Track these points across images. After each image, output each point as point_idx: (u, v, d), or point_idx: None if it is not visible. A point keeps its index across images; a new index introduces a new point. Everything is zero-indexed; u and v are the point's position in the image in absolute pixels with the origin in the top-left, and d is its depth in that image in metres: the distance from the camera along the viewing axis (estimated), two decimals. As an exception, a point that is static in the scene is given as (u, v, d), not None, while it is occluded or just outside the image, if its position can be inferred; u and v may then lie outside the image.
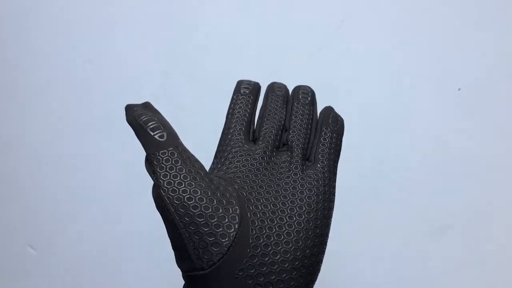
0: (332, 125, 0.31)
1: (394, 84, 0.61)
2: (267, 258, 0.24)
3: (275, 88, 0.33)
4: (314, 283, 0.26)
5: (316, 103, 0.33)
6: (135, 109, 0.27)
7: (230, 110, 0.32)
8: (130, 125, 0.27)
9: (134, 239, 0.72)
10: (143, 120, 0.26)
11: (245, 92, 0.32)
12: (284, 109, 0.32)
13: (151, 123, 0.26)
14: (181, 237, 0.24)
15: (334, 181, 0.29)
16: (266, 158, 0.29)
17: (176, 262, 0.26)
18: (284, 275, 0.24)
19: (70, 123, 0.72)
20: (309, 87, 0.33)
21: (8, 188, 0.77)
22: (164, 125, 0.26)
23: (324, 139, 0.30)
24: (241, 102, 0.32)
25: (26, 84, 0.72)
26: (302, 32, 0.62)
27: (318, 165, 0.29)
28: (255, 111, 0.32)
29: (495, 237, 0.61)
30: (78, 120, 0.71)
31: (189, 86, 0.66)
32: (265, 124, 0.31)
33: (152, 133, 0.26)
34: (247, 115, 0.31)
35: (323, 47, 0.62)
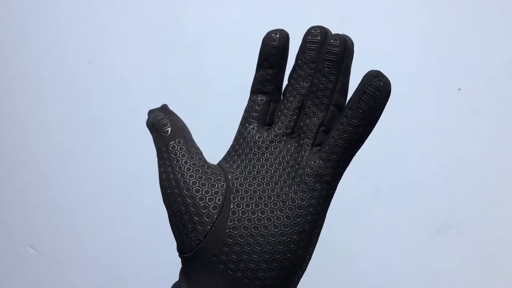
0: (361, 104, 0.25)
1: (394, 84, 0.61)
2: (239, 248, 0.25)
3: (306, 48, 0.29)
4: (292, 279, 0.26)
5: (347, 63, 0.27)
6: (150, 114, 0.30)
7: (253, 88, 0.30)
8: (148, 128, 0.30)
9: (135, 238, 0.72)
10: (155, 120, 0.29)
11: (268, 59, 0.29)
12: (311, 77, 0.28)
13: (160, 121, 0.29)
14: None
15: (338, 176, 0.26)
16: (271, 149, 0.29)
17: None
18: (254, 265, 0.25)
19: (70, 123, 0.72)
20: (339, 40, 0.27)
21: (8, 189, 0.77)
22: (172, 121, 0.29)
23: (342, 125, 0.26)
24: (261, 77, 0.29)
25: (26, 84, 0.73)
26: (302, 32, 0.62)
27: (323, 156, 0.26)
28: (281, 86, 0.30)
29: (495, 237, 0.61)
30: (78, 120, 0.71)
31: (189, 86, 0.66)
32: (282, 105, 0.29)
33: (158, 130, 0.28)
34: (267, 96, 0.29)
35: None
